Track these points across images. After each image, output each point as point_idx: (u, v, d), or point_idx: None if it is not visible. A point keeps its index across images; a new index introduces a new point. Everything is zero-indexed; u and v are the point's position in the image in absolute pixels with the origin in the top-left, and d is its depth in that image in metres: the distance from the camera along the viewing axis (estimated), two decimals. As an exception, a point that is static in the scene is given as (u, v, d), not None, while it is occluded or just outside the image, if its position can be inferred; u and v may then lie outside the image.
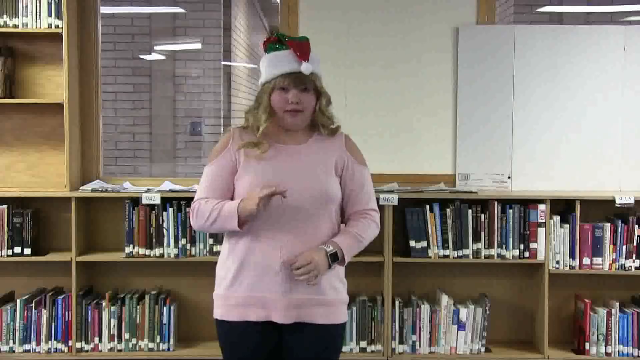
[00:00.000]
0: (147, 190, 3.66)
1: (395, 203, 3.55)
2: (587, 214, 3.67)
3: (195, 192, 2.43)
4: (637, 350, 3.63)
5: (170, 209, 3.62)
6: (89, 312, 3.64)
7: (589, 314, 3.62)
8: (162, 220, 3.63)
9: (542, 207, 3.59)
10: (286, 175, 2.33)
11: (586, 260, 3.62)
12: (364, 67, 3.86)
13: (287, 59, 2.35)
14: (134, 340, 3.65)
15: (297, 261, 2.27)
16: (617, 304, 3.64)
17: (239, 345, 2.37)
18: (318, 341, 2.37)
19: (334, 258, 2.31)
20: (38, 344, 3.64)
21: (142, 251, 3.63)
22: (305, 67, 2.33)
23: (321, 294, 2.35)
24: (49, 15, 3.64)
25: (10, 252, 3.62)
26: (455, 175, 3.86)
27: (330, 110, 2.44)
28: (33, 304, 3.64)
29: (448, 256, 3.62)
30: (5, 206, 3.61)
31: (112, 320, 3.64)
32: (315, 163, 2.38)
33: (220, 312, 2.40)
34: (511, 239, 3.61)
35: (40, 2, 3.63)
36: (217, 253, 3.52)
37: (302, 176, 2.34)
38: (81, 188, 3.74)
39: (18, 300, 3.64)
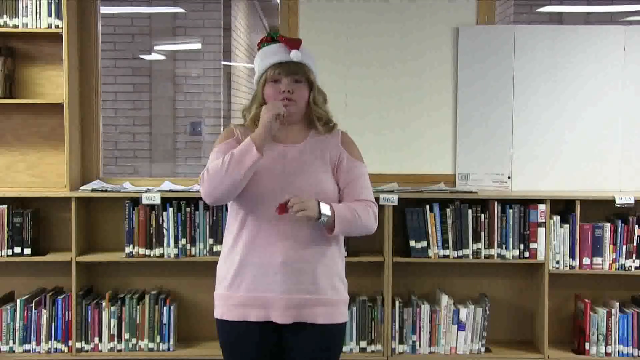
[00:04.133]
0: (147, 190, 3.66)
1: (395, 203, 3.56)
2: (587, 214, 3.67)
3: (195, 192, 2.42)
4: (637, 350, 3.63)
5: (170, 209, 3.62)
6: (89, 312, 3.64)
7: (589, 314, 3.62)
8: (162, 220, 3.63)
9: (542, 207, 3.59)
10: (284, 174, 2.33)
11: (586, 260, 3.62)
12: (363, 67, 3.86)
13: (277, 50, 2.39)
14: (134, 340, 3.65)
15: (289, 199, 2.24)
16: (617, 304, 3.64)
17: (238, 345, 2.37)
18: (319, 341, 2.36)
19: (324, 212, 2.25)
20: (38, 344, 3.64)
21: (142, 251, 3.63)
22: (295, 54, 2.35)
23: (322, 294, 2.35)
24: (49, 15, 3.63)
25: (10, 252, 3.62)
26: (455, 175, 3.86)
27: (326, 109, 2.45)
28: (33, 304, 3.64)
29: (448, 256, 3.62)
30: (5, 206, 3.61)
31: (112, 320, 3.64)
32: (312, 161, 2.38)
33: (220, 311, 2.40)
34: (511, 239, 3.61)
35: (40, 2, 3.63)
36: (217, 253, 3.54)
37: (299, 175, 2.34)
38: (81, 188, 3.74)
39: (18, 300, 3.64)
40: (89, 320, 3.63)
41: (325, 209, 2.26)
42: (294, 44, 2.39)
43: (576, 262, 3.62)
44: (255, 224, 2.33)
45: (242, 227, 2.35)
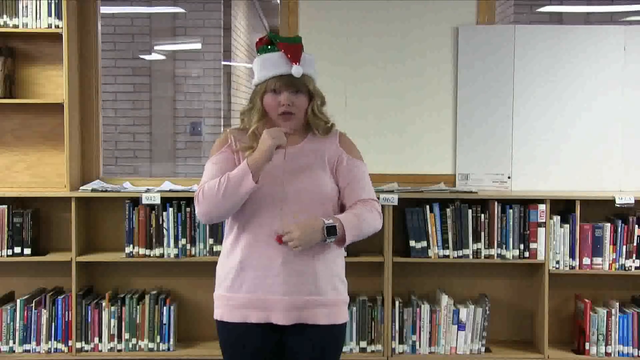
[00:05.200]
0: (147, 190, 3.66)
1: (395, 203, 3.55)
2: (587, 214, 3.67)
3: (195, 192, 2.42)
4: (637, 350, 3.63)
5: (170, 209, 3.62)
6: (89, 312, 3.64)
7: (589, 314, 3.62)
8: (162, 220, 3.63)
9: (542, 207, 3.59)
10: (282, 176, 2.33)
11: (586, 260, 3.62)
12: (364, 67, 3.86)
13: (278, 62, 2.35)
14: (134, 340, 3.65)
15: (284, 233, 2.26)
16: (617, 304, 3.64)
17: (239, 346, 2.37)
18: (320, 342, 2.36)
19: (331, 231, 2.26)
20: (38, 344, 3.64)
21: (142, 251, 3.64)
22: (296, 70, 2.32)
23: (322, 295, 2.35)
24: (49, 15, 3.64)
25: (10, 252, 3.62)
26: (455, 175, 3.86)
27: (324, 111, 2.44)
28: (33, 304, 3.64)
29: (448, 256, 3.62)
30: (5, 206, 3.61)
31: (112, 320, 3.64)
32: (311, 162, 2.37)
33: (220, 312, 2.40)
34: (511, 239, 3.61)
35: (40, 2, 3.63)
36: (217, 253, 3.54)
37: (298, 177, 2.34)
38: (81, 188, 3.74)
39: (18, 300, 3.64)
40: (89, 320, 3.63)
41: (331, 230, 2.26)
42: (295, 55, 2.34)
43: (576, 262, 3.62)
44: (255, 226, 2.32)
45: (242, 228, 2.35)
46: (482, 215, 3.61)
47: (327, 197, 2.35)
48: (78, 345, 3.63)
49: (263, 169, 2.26)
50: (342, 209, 2.41)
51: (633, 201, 3.55)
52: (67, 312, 3.63)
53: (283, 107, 2.33)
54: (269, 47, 2.39)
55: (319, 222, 2.26)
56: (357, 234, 2.33)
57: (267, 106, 2.36)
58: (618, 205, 3.57)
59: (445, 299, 3.64)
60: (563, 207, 3.69)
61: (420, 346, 3.64)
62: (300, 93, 2.35)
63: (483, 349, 3.65)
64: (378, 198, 3.44)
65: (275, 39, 2.39)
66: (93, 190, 3.70)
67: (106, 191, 3.69)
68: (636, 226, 3.60)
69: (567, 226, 3.61)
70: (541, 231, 3.59)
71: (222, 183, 2.25)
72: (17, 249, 3.62)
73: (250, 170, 2.23)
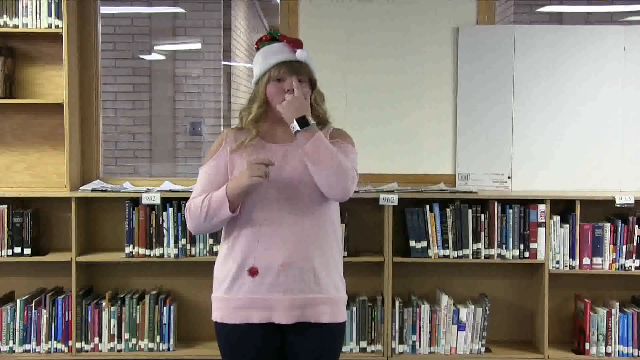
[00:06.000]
0: (147, 190, 3.66)
1: (395, 203, 3.55)
2: (587, 214, 3.67)
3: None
4: (637, 350, 3.63)
5: (170, 209, 3.62)
6: (89, 312, 3.64)
7: (589, 314, 3.62)
8: (162, 220, 3.63)
9: (542, 207, 3.59)
10: (279, 174, 2.32)
11: (586, 260, 3.62)
12: (364, 68, 3.86)
13: (281, 49, 2.37)
14: (134, 340, 3.65)
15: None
16: (617, 304, 3.63)
17: (240, 347, 2.36)
18: (320, 342, 2.36)
19: (303, 122, 2.25)
20: (38, 344, 3.64)
21: (142, 251, 3.63)
22: (300, 54, 2.35)
23: (324, 293, 2.34)
24: (49, 15, 3.64)
25: (10, 252, 3.62)
26: (455, 175, 3.86)
27: (324, 107, 2.44)
28: (33, 304, 3.63)
29: (448, 256, 3.61)
30: (5, 206, 3.61)
31: (112, 320, 3.64)
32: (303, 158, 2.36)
33: (220, 314, 2.39)
34: (511, 239, 3.61)
35: (40, 2, 3.63)
36: (217, 253, 3.54)
37: (293, 172, 2.33)
38: (81, 188, 3.74)
39: (18, 300, 3.64)
40: (89, 320, 3.63)
41: (303, 121, 2.25)
42: (297, 43, 2.38)
43: (576, 262, 3.62)
44: (253, 226, 2.32)
45: (240, 229, 2.34)
46: (482, 215, 3.61)
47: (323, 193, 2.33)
48: (78, 345, 3.63)
49: (241, 199, 2.28)
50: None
51: (633, 201, 3.55)
52: (67, 312, 3.63)
53: (287, 93, 2.31)
54: (270, 41, 2.42)
55: (307, 111, 2.28)
56: (320, 149, 2.23)
57: (270, 96, 2.35)
58: (618, 205, 3.57)
59: (445, 299, 3.64)
60: (563, 207, 3.69)
61: (420, 346, 3.64)
62: (303, 81, 2.35)
63: (483, 349, 3.65)
64: (378, 198, 3.50)
65: (277, 34, 2.42)
66: (93, 190, 3.70)
67: (106, 191, 3.69)
68: (636, 226, 3.60)
69: (567, 226, 3.61)
70: (541, 231, 3.59)
71: (205, 206, 2.30)
72: (17, 249, 3.62)
73: (228, 199, 2.26)
